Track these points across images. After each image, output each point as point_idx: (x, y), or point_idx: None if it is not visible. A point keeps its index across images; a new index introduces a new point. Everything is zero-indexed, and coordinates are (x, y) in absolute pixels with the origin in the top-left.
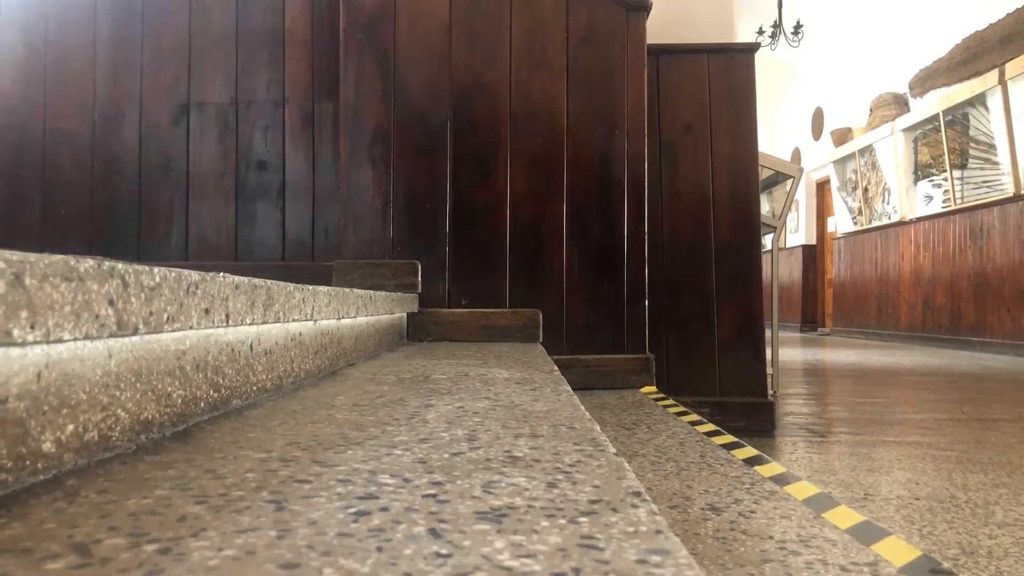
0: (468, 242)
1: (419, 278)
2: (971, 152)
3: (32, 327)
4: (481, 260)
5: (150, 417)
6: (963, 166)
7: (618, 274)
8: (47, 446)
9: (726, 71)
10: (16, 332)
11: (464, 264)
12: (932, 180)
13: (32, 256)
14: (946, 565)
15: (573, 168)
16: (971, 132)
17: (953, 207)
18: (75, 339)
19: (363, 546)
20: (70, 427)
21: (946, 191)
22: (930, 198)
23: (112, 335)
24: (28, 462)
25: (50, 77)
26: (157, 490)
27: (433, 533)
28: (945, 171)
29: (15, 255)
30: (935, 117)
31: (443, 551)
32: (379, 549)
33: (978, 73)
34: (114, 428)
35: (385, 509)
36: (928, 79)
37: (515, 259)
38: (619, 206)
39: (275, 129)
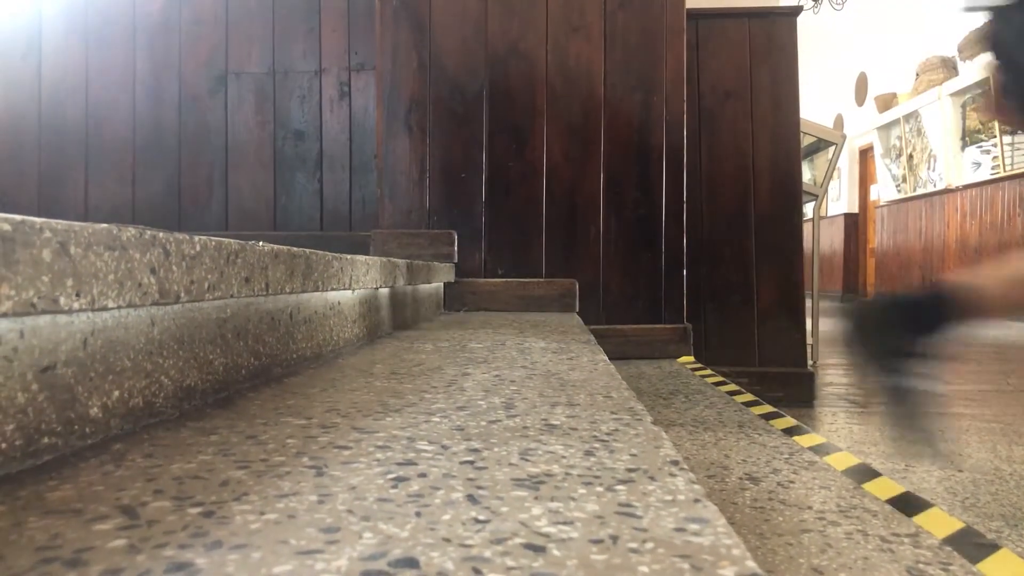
0: (504, 211)
1: (455, 248)
2: None
3: (78, 295)
4: (517, 229)
5: (193, 384)
6: (1014, 131)
7: (656, 243)
8: (94, 411)
9: (767, 36)
10: (63, 300)
11: (500, 234)
12: (980, 146)
13: (76, 225)
14: (990, 537)
15: (610, 136)
16: None
17: (1002, 174)
18: (119, 307)
19: (402, 511)
20: (116, 393)
21: (995, 157)
22: (978, 165)
23: (155, 303)
24: (76, 427)
25: (91, 50)
26: (200, 455)
27: (471, 499)
28: (994, 137)
29: (60, 224)
30: (986, 81)
31: (481, 517)
32: (418, 514)
33: None
34: (158, 394)
35: (424, 475)
36: (979, 41)
37: (551, 228)
38: (657, 174)
39: (312, 99)
